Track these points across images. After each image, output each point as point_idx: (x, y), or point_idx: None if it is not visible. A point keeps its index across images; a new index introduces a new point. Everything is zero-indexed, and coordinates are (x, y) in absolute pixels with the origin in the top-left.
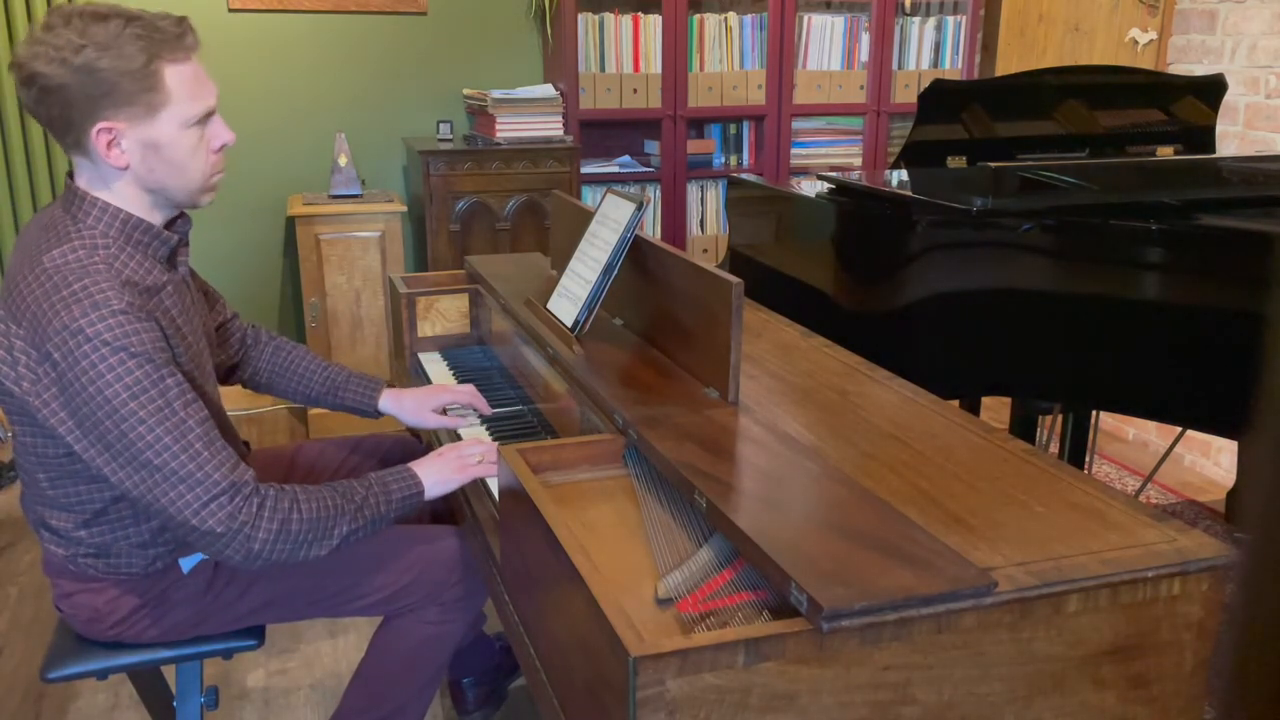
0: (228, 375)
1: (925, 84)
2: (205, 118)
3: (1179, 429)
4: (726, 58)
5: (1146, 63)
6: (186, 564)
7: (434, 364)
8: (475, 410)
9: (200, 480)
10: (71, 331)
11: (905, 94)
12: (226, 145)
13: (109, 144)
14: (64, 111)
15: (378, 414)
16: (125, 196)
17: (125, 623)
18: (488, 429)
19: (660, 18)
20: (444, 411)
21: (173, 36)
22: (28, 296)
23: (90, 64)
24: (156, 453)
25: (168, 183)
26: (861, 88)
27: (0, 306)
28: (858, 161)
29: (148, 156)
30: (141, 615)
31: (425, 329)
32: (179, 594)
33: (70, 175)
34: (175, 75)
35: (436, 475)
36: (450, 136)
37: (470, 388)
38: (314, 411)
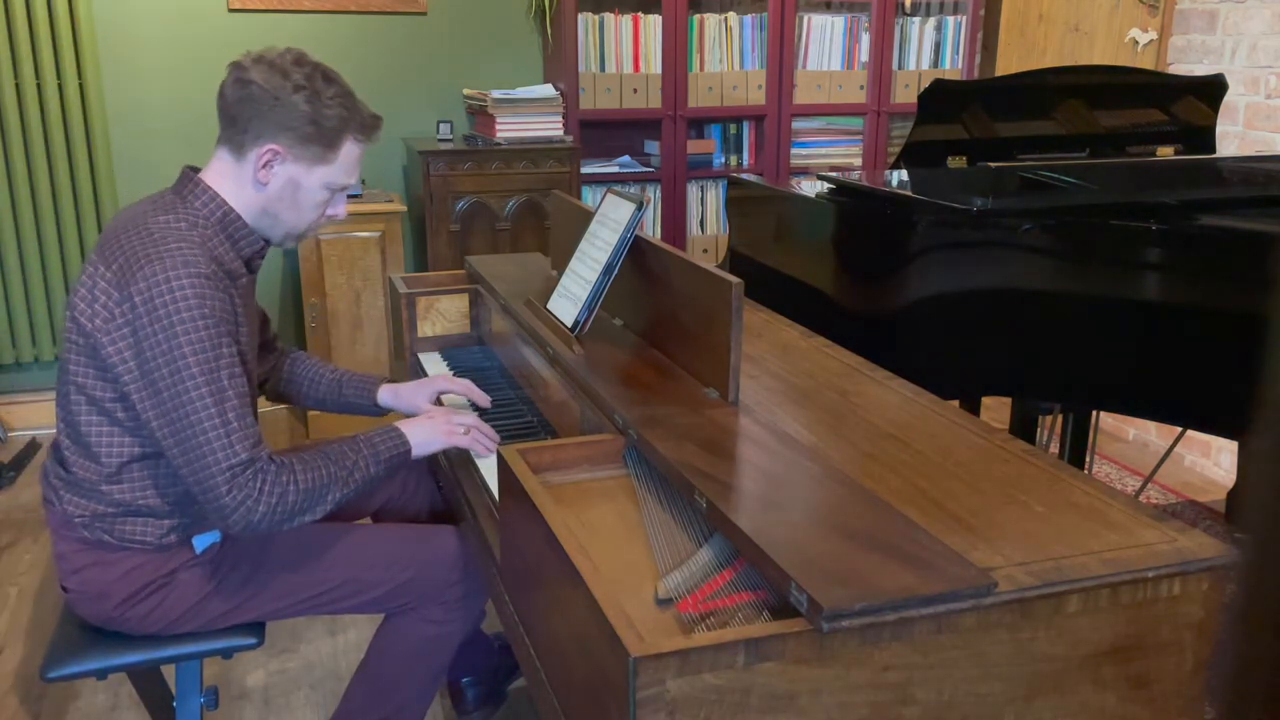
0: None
1: (925, 84)
2: (341, 190)
3: (1179, 429)
4: (726, 58)
5: (1146, 63)
6: (200, 543)
7: (434, 364)
8: (472, 403)
9: (223, 448)
10: (158, 280)
11: (905, 94)
12: (335, 218)
13: (267, 163)
14: (255, 119)
15: (379, 409)
16: (241, 201)
17: (130, 601)
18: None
19: (660, 18)
20: (439, 400)
21: (368, 123)
22: (125, 245)
23: (299, 102)
24: (195, 410)
25: (282, 215)
26: (861, 88)
27: (95, 253)
28: (858, 161)
29: (285, 190)
30: (148, 595)
31: (425, 329)
32: (186, 575)
33: (188, 168)
34: (349, 150)
35: (423, 435)
36: (450, 136)
37: (467, 381)
38: (314, 412)
